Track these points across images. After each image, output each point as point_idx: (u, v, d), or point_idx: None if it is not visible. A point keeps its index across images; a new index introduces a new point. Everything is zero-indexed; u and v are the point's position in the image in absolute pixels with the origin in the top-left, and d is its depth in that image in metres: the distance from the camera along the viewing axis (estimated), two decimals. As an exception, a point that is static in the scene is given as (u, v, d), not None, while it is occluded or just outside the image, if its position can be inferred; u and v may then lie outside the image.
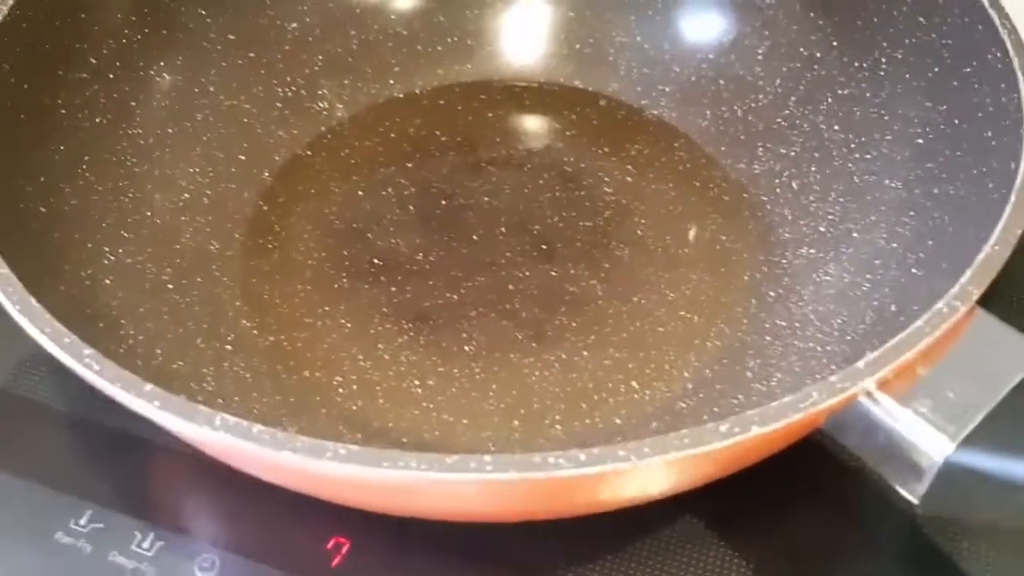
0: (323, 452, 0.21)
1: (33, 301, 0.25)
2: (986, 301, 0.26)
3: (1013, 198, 0.27)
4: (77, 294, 0.32)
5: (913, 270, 0.32)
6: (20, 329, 0.25)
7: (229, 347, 0.35)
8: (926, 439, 0.24)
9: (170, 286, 0.36)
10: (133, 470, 0.33)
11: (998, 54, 0.32)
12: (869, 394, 0.24)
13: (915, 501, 0.25)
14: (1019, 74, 0.31)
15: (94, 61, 0.38)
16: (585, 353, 0.36)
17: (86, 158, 0.36)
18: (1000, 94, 0.32)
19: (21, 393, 0.35)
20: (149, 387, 0.23)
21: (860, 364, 0.23)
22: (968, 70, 0.34)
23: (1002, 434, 0.24)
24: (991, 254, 0.26)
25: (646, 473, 0.22)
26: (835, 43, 0.40)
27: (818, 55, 0.41)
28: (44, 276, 0.30)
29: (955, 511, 0.26)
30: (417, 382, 0.35)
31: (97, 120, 0.38)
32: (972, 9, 0.34)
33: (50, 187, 0.34)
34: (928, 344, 0.24)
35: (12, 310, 0.25)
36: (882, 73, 0.38)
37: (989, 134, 0.32)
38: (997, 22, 0.33)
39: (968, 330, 0.26)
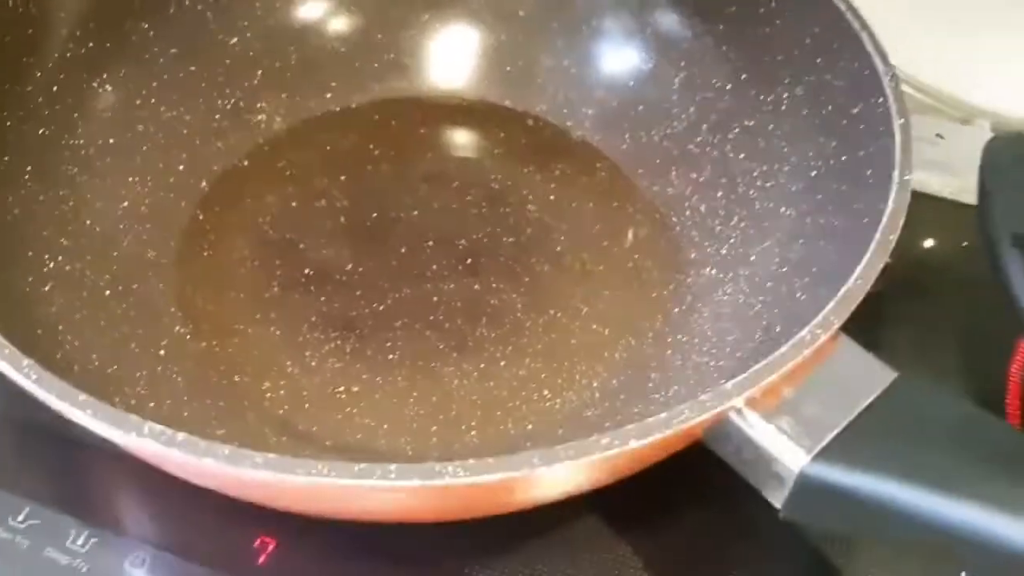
0: (243, 460, 0.24)
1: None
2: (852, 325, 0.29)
3: (878, 235, 0.30)
4: (18, 301, 0.34)
5: (798, 294, 0.35)
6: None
7: (163, 352, 0.37)
8: (785, 452, 0.27)
9: (107, 293, 0.38)
10: (69, 469, 0.35)
11: (880, 99, 0.36)
12: (738, 411, 0.27)
13: (778, 506, 0.28)
14: (895, 120, 0.34)
15: (39, 74, 0.39)
16: (503, 363, 0.39)
17: (29, 168, 0.38)
18: (879, 136, 0.35)
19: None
20: (83, 397, 0.25)
21: (728, 385, 0.26)
22: (855, 111, 0.37)
23: (855, 449, 0.27)
24: (853, 287, 0.29)
25: (535, 481, 0.25)
26: (743, 76, 0.43)
27: (728, 87, 0.44)
28: (-14, 285, 0.32)
29: (812, 517, 0.29)
30: (342, 388, 0.37)
31: (41, 131, 0.39)
32: (860, 55, 0.37)
33: (-7, 198, 0.36)
34: (791, 368, 0.27)
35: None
36: (784, 107, 0.41)
37: (868, 172, 0.35)
38: (880, 69, 0.36)
39: (831, 353, 0.29)
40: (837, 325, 0.28)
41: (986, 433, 0.28)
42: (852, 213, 0.35)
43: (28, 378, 0.26)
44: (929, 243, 0.48)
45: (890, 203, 0.32)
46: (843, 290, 0.29)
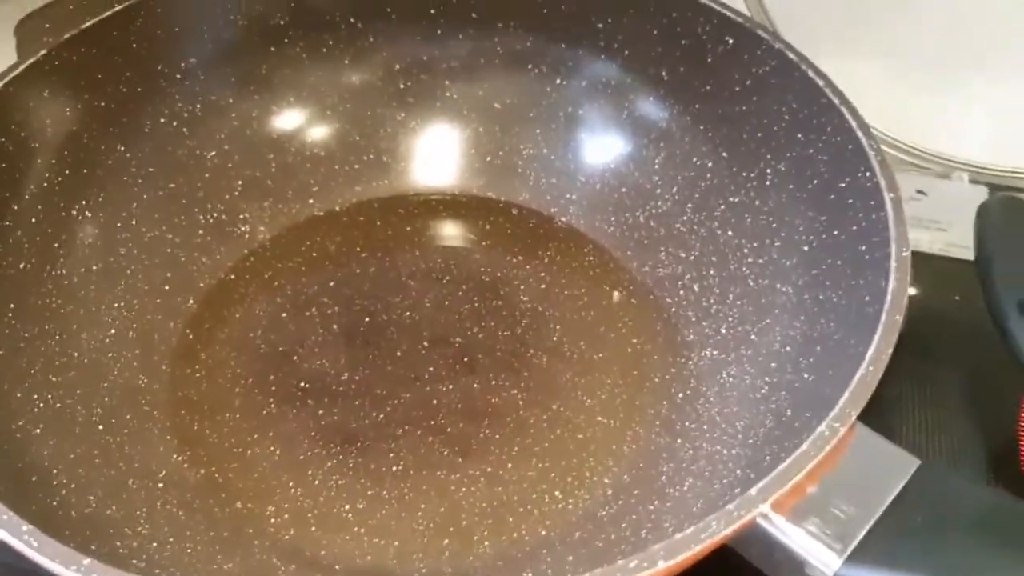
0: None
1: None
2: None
3: (884, 318, 0.30)
4: (8, 449, 0.33)
5: (804, 374, 0.35)
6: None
7: (161, 484, 0.36)
8: (817, 555, 0.26)
9: (100, 427, 0.37)
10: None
11: (867, 173, 0.36)
12: (764, 516, 0.26)
13: (813, 608, 0.28)
14: (885, 194, 0.34)
15: (16, 208, 0.39)
16: (509, 465, 0.38)
17: (12, 306, 0.37)
18: (870, 211, 0.35)
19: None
20: (88, 561, 0.24)
21: (753, 491, 0.25)
22: (843, 185, 0.37)
23: (886, 545, 0.26)
24: (865, 375, 0.28)
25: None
26: (724, 154, 0.43)
27: (710, 165, 0.44)
28: (-25, 438, 0.31)
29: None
30: (347, 506, 0.37)
31: (21, 266, 0.38)
32: (842, 130, 0.37)
33: (-24, 342, 0.35)
34: (813, 466, 0.26)
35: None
36: (768, 183, 0.41)
37: (863, 248, 0.35)
38: (865, 144, 0.36)
39: (850, 443, 0.28)
40: (854, 416, 0.27)
41: (1011, 519, 0.27)
42: (851, 290, 0.35)
43: (29, 546, 0.24)
44: (922, 298, 0.48)
45: (891, 281, 0.31)
46: (856, 378, 0.28)
